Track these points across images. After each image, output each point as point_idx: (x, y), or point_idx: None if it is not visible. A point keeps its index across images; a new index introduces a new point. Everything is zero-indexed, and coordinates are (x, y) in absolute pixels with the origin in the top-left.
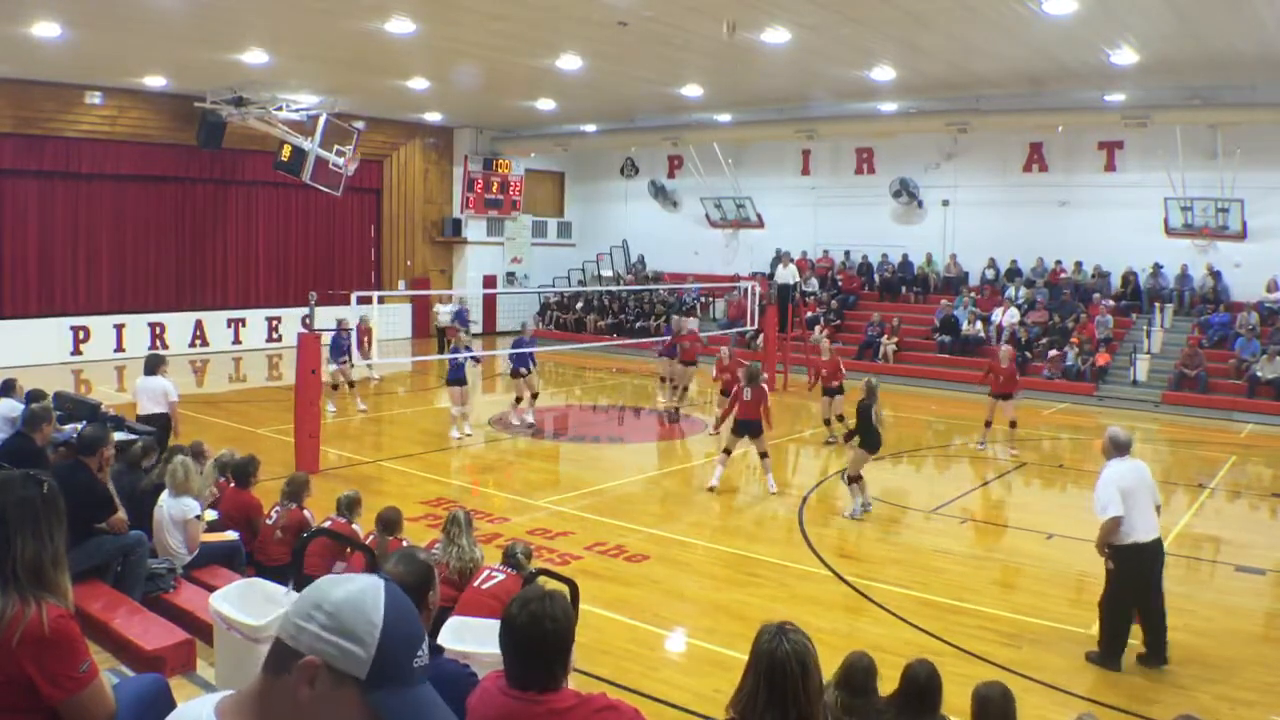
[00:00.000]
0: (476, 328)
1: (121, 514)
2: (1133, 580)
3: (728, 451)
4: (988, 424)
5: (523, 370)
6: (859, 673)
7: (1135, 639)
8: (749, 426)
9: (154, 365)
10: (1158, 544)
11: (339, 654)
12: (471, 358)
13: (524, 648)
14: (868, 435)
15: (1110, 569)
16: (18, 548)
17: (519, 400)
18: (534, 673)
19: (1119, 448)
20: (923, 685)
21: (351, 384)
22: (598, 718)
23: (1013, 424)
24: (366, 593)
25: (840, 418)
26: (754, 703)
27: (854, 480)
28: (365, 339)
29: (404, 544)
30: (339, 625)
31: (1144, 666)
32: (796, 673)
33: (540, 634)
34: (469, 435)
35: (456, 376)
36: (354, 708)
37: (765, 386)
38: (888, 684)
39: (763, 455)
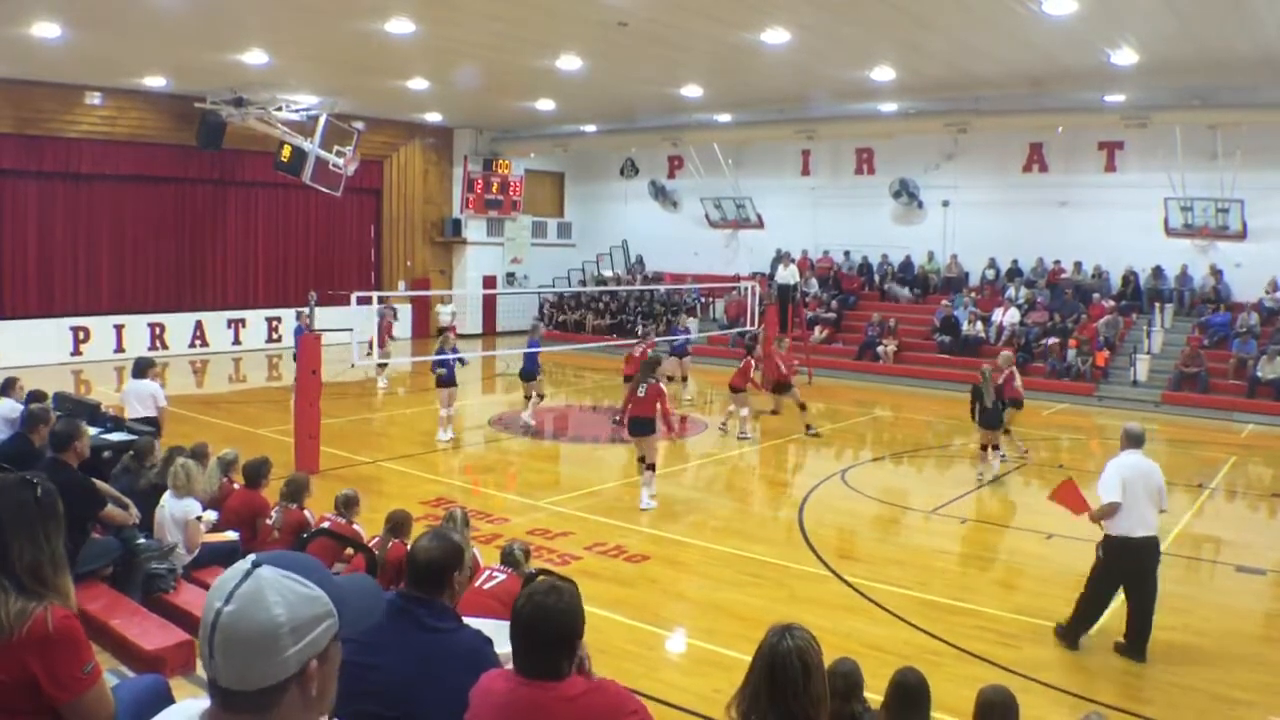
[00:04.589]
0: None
1: (114, 510)
2: (1114, 572)
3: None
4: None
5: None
6: (840, 678)
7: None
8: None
9: (143, 368)
10: (1150, 543)
11: (324, 634)
12: (458, 359)
13: (530, 639)
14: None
15: (1099, 556)
16: (14, 552)
17: (529, 399)
18: (539, 663)
19: (1132, 440)
20: (911, 691)
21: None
22: (583, 699)
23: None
24: (302, 589)
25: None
26: (756, 702)
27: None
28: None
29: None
30: (306, 627)
31: (1119, 655)
32: (797, 669)
33: (543, 626)
34: (449, 440)
35: (448, 378)
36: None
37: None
38: (882, 682)
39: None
